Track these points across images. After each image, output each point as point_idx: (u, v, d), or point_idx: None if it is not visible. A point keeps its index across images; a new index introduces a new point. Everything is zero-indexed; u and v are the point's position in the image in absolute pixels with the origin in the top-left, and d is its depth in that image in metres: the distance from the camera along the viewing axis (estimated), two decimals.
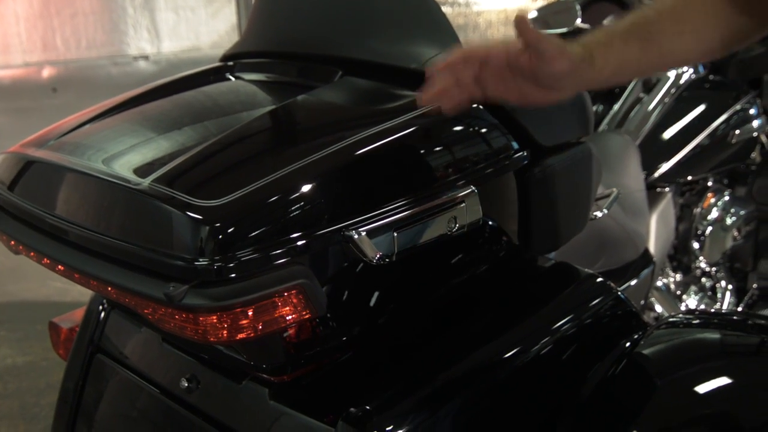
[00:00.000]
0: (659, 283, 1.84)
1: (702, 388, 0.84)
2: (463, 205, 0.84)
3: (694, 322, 1.01)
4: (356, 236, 0.75)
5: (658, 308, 1.78)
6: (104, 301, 1.11)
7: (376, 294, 0.85)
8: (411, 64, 0.95)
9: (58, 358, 1.29)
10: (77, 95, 4.59)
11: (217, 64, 1.13)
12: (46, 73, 4.68)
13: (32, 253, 0.85)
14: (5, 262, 3.42)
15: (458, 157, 0.87)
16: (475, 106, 0.90)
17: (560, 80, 0.80)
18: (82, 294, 1.06)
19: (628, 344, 0.95)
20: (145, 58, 4.87)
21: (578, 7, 1.98)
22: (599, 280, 1.02)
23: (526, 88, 0.81)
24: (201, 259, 0.68)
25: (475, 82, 0.82)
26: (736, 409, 0.83)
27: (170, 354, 0.97)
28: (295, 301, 0.71)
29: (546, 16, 2.08)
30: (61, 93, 4.64)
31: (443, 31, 1.00)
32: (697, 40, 0.86)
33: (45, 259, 0.82)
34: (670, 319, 1.00)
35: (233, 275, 0.69)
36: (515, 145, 0.92)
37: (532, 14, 2.11)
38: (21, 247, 0.87)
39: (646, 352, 0.92)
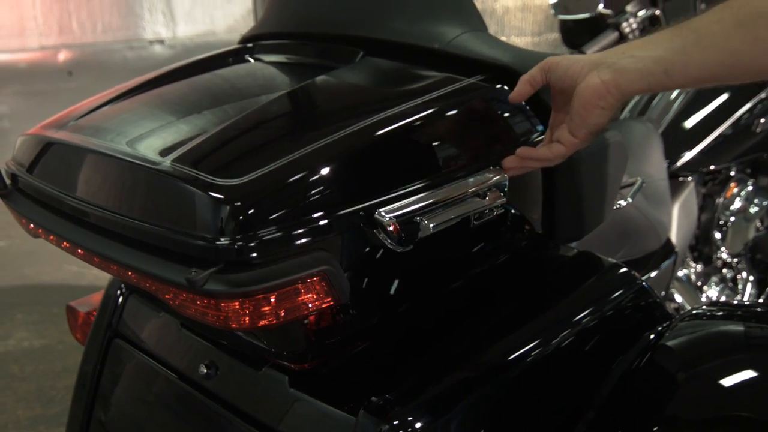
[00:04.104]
0: (680, 274, 1.82)
1: (728, 382, 0.83)
2: (489, 190, 0.82)
3: (718, 314, 0.99)
4: (378, 221, 0.74)
5: (678, 299, 1.76)
6: (122, 285, 1.11)
7: (397, 282, 0.84)
8: (434, 43, 0.93)
9: (74, 342, 1.29)
10: (93, 79, 4.60)
11: (236, 46, 1.12)
12: (62, 56, 4.69)
13: (51, 237, 0.84)
14: (21, 245, 3.45)
15: (483, 141, 0.85)
16: (498, 86, 0.89)
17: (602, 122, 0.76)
18: (98, 278, 1.06)
19: (652, 336, 0.94)
20: (161, 42, 4.87)
21: None
22: (623, 270, 1.00)
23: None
24: (222, 239, 0.67)
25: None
26: (765, 403, 0.81)
27: (189, 340, 0.96)
28: (318, 287, 0.70)
29: (566, 1, 2.04)
30: (76, 77, 4.65)
31: (466, 11, 0.98)
32: None
33: (65, 243, 0.82)
34: (694, 311, 0.98)
35: (254, 255, 0.67)
36: (540, 128, 0.90)
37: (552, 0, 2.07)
38: (40, 231, 0.86)
39: (671, 344, 0.90)
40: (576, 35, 2.16)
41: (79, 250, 0.80)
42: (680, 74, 0.72)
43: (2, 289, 3.14)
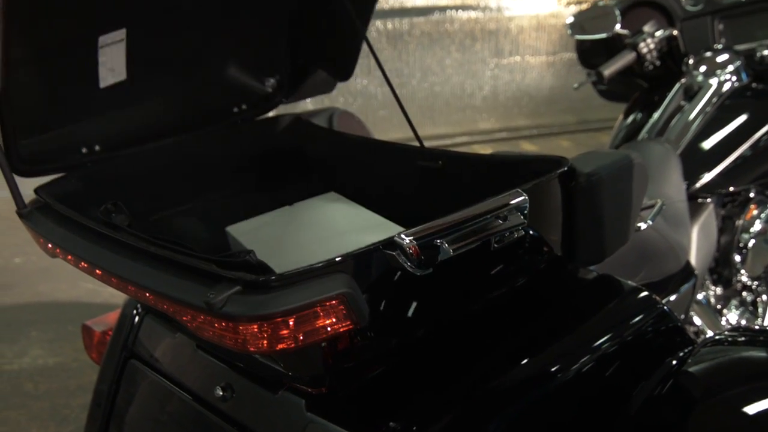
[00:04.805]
0: (699, 297, 1.80)
1: (753, 409, 0.81)
2: (509, 213, 0.81)
3: (740, 339, 0.97)
4: (398, 243, 0.73)
5: (698, 322, 1.74)
6: (138, 305, 1.10)
7: (416, 305, 0.83)
8: None
9: (88, 360, 1.29)
10: None
11: None
12: None
13: (69, 257, 0.84)
14: (37, 262, 3.46)
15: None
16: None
17: None
18: (113, 296, 1.06)
19: (674, 362, 0.92)
20: None
21: (617, 12, 1.94)
22: (644, 293, 0.99)
23: None
24: None
25: None
26: None
27: (205, 361, 0.96)
28: (337, 311, 0.69)
29: (583, 21, 2.04)
30: None
31: None
32: None
33: (82, 263, 0.82)
34: (717, 337, 0.97)
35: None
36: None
37: (569, 20, 2.07)
38: (58, 251, 0.86)
39: (693, 370, 0.89)
40: (592, 55, 2.15)
41: (97, 271, 0.80)
42: None
43: (18, 306, 3.14)
